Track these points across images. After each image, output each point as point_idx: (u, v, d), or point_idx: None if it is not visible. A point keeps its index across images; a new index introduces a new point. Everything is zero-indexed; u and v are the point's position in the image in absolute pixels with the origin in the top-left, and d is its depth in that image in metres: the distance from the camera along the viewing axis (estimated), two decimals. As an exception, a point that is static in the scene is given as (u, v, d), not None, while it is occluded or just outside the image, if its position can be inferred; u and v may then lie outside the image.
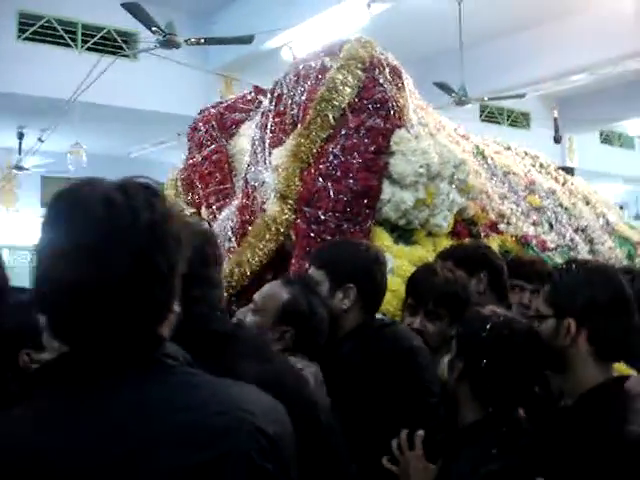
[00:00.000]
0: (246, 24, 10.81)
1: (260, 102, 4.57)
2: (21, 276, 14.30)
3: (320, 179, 3.61)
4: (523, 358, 2.00)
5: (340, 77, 3.73)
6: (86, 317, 1.12)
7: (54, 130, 11.86)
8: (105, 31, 12.03)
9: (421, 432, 2.12)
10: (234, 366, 1.65)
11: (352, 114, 3.71)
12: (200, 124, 4.79)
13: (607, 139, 19.77)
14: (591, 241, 5.09)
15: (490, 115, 16.58)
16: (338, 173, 3.60)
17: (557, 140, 13.31)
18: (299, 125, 3.78)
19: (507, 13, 11.72)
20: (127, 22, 9.41)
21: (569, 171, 15.75)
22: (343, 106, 3.70)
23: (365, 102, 3.73)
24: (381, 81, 3.80)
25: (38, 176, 15.57)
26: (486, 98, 12.14)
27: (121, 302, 1.12)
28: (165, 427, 1.10)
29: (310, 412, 1.80)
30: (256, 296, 2.54)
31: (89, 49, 11.85)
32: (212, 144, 4.60)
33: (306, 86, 3.88)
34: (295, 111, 3.88)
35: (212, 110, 4.85)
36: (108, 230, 1.11)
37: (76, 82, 10.23)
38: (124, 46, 12.17)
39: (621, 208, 24.01)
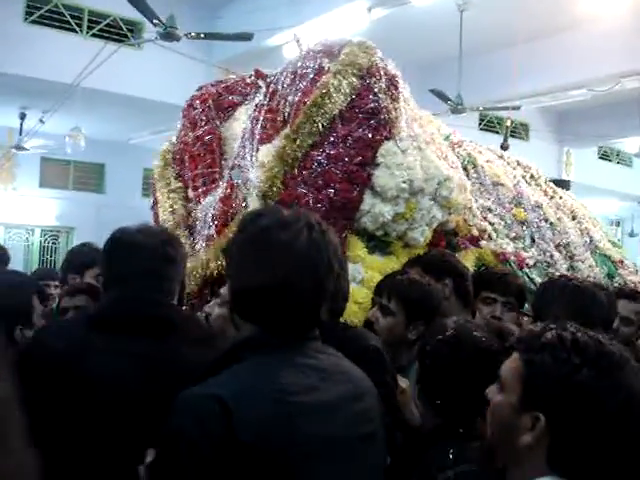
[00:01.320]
0: (250, 20, 10.92)
1: (259, 87, 4.47)
2: (16, 253, 14.33)
3: (302, 185, 3.59)
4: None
5: (335, 83, 3.68)
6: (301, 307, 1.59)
7: (55, 113, 11.98)
8: (111, 18, 12.12)
9: None
10: (178, 349, 1.91)
11: (342, 122, 3.68)
12: (197, 101, 4.61)
13: (605, 155, 19.88)
14: (572, 257, 5.13)
15: (489, 124, 16.68)
16: (320, 181, 3.58)
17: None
18: (289, 126, 3.74)
19: (508, 25, 11.76)
20: (133, 11, 9.54)
21: (565, 184, 15.98)
22: (334, 113, 3.66)
23: (357, 111, 3.70)
24: (376, 90, 3.74)
25: (38, 157, 15.72)
26: (481, 108, 12.23)
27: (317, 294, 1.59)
28: (348, 385, 1.64)
29: None
30: (222, 290, 2.64)
31: (94, 35, 11.94)
32: (206, 124, 4.45)
33: (301, 86, 3.86)
34: (287, 110, 3.86)
35: (211, 89, 4.69)
36: (314, 247, 1.58)
37: (80, 67, 10.35)
38: (129, 34, 12.28)
39: (617, 224, 24.01)
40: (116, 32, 12.23)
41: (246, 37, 8.93)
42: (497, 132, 16.68)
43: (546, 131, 16.32)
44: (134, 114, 13.75)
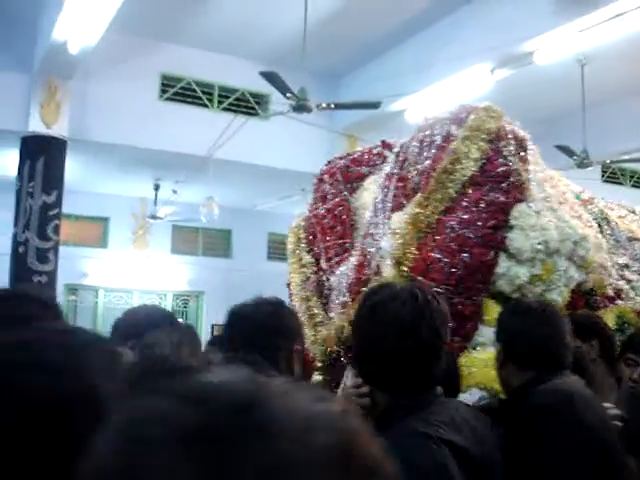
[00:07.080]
0: (372, 87, 11.22)
1: (385, 157, 4.58)
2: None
3: (436, 250, 3.60)
4: None
5: (464, 149, 3.72)
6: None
7: (187, 183, 12.59)
8: (239, 93, 12.82)
9: None
10: None
11: (473, 187, 3.70)
12: (326, 176, 4.79)
13: None
14: None
15: (612, 176, 16.33)
16: (454, 246, 3.58)
17: None
18: (420, 193, 3.79)
19: (630, 75, 11.58)
20: (259, 84, 9.98)
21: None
22: (465, 178, 3.70)
23: (487, 175, 3.71)
24: (505, 153, 3.75)
25: (169, 225, 16.49)
26: (608, 161, 12.02)
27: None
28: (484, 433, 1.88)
29: None
30: None
31: (224, 109, 12.67)
32: (336, 197, 4.60)
33: (430, 154, 3.89)
34: (417, 178, 3.90)
35: (339, 162, 4.85)
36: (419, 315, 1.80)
37: (209, 139, 10.93)
38: (256, 107, 12.92)
39: None
40: (244, 105, 12.85)
41: (374, 105, 9.20)
42: (621, 184, 16.32)
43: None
44: (261, 182, 14.27)
